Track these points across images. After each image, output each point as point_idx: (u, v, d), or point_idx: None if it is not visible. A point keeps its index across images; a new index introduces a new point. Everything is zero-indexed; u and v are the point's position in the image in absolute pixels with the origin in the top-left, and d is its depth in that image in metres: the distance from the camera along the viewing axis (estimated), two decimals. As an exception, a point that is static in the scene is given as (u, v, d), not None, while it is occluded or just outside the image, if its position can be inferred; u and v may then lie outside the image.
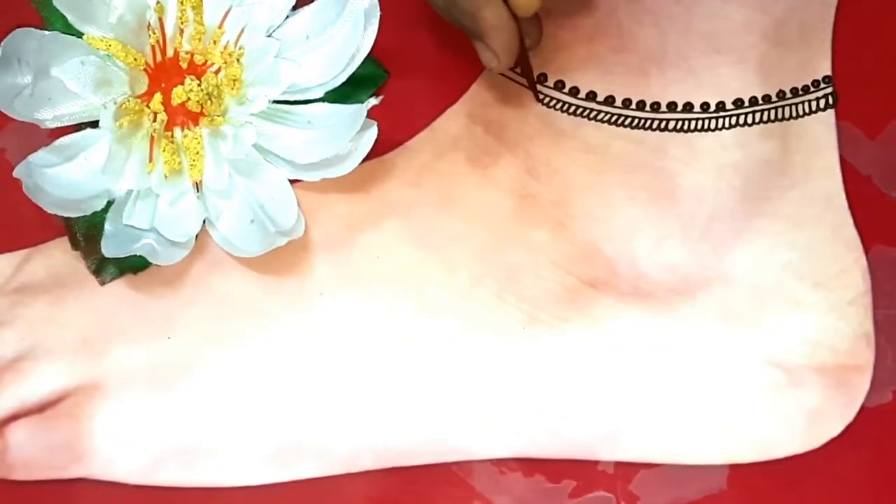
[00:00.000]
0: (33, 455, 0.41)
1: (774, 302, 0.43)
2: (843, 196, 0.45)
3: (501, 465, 0.42)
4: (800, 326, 0.43)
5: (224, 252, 0.44)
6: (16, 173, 0.41)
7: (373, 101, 0.43)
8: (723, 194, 0.45)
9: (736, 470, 0.42)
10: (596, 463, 0.42)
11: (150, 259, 0.42)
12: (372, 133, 0.43)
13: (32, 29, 0.41)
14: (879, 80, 0.47)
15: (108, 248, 0.41)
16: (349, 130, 0.42)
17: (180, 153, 0.43)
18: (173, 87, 0.43)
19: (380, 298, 0.44)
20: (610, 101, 0.47)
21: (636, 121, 0.46)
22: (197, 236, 0.43)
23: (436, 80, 0.47)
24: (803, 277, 0.44)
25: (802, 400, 0.42)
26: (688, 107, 0.46)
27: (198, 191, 0.43)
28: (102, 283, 0.44)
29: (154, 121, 0.43)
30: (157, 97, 0.43)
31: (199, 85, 0.43)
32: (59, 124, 0.42)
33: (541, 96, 0.46)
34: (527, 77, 0.46)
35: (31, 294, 0.43)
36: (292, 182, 0.44)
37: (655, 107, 0.46)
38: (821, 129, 0.46)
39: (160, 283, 0.44)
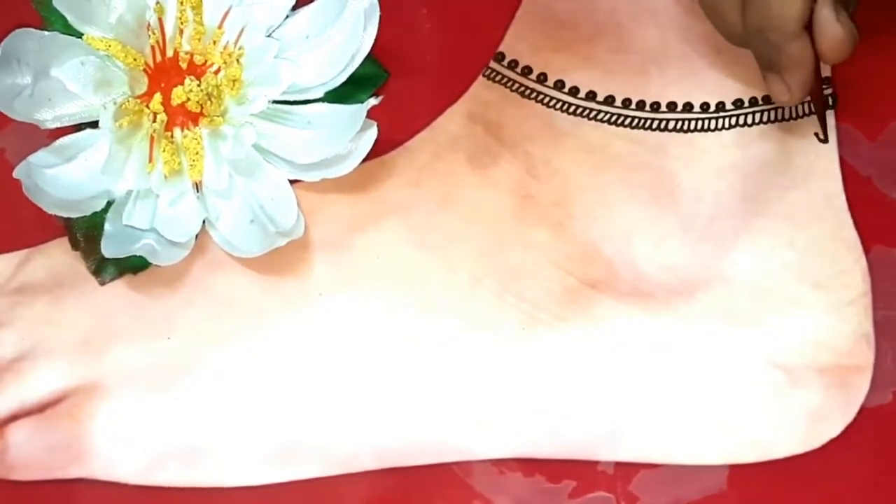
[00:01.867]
0: (33, 455, 0.41)
1: (774, 302, 0.43)
2: (842, 197, 0.45)
3: (501, 465, 0.42)
4: (800, 327, 0.43)
5: (224, 252, 0.44)
6: (16, 174, 0.41)
7: (373, 101, 0.43)
8: (722, 194, 0.45)
9: (736, 470, 0.42)
10: (596, 463, 0.42)
11: (149, 259, 0.42)
12: (372, 133, 0.43)
13: (32, 29, 0.41)
14: (879, 80, 0.47)
15: (108, 249, 0.41)
16: (349, 130, 0.42)
17: (180, 153, 0.43)
18: (173, 87, 0.43)
19: (379, 298, 0.44)
20: (610, 100, 0.47)
21: (636, 120, 0.46)
22: (197, 236, 0.43)
23: (436, 80, 0.47)
24: (803, 278, 0.44)
25: (802, 400, 0.42)
26: (688, 107, 0.46)
27: (197, 191, 0.43)
28: (102, 284, 0.44)
29: (154, 121, 0.43)
30: (157, 97, 0.43)
31: (198, 85, 0.43)
32: (59, 125, 0.42)
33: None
34: (818, 113, 0.45)
35: (31, 294, 0.43)
36: (292, 182, 0.44)
37: (655, 107, 0.46)
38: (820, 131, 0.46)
39: (160, 284, 0.44)
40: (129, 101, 0.42)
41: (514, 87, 0.47)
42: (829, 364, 0.42)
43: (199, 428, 0.42)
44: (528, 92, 0.47)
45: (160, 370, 0.42)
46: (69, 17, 0.43)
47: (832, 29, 0.40)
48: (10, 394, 0.42)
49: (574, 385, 0.42)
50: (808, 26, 0.40)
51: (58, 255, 0.44)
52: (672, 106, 0.46)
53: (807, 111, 0.46)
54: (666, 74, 0.47)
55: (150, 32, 0.43)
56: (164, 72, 0.44)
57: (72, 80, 0.42)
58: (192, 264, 0.44)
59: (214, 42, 0.44)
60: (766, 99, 0.46)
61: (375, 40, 0.44)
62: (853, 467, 0.42)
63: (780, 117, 0.46)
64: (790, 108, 0.46)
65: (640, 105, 0.47)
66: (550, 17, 0.48)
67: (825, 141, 0.45)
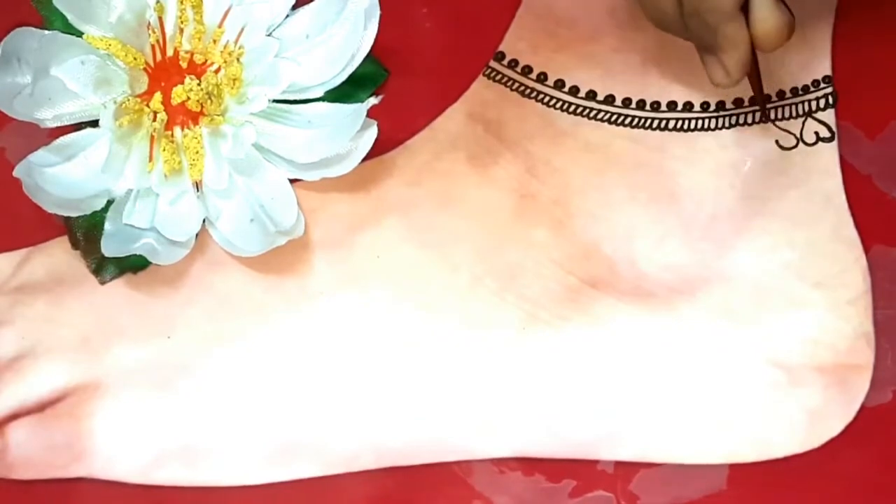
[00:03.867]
0: (33, 454, 0.41)
1: (774, 301, 0.43)
2: (843, 196, 0.45)
3: (501, 464, 0.42)
4: (800, 326, 0.43)
5: (224, 251, 0.44)
6: (16, 173, 0.41)
7: (373, 101, 0.43)
8: (723, 193, 0.45)
9: (736, 469, 0.42)
10: (596, 462, 0.42)
11: (149, 258, 0.42)
12: (372, 132, 0.43)
13: (32, 28, 0.41)
14: (879, 80, 0.47)
15: (108, 248, 0.41)
16: (349, 130, 0.42)
17: (180, 152, 0.43)
18: (173, 86, 0.43)
19: (380, 298, 0.44)
20: (610, 100, 0.47)
21: (636, 120, 0.46)
22: (197, 236, 0.43)
23: (436, 80, 0.47)
24: (803, 277, 0.44)
25: (802, 399, 0.42)
26: (688, 106, 0.46)
27: (198, 190, 0.43)
28: (102, 283, 0.44)
29: (154, 120, 0.43)
30: (157, 96, 0.43)
31: (198, 84, 0.43)
32: (59, 124, 0.42)
33: (768, 117, 0.46)
34: (757, 96, 0.45)
35: (32, 293, 0.43)
36: (292, 181, 0.44)
37: (655, 106, 0.46)
38: (821, 129, 0.46)
39: (160, 283, 0.44)
40: (129, 100, 0.42)
41: (514, 87, 0.47)
42: (829, 363, 0.42)
43: (199, 427, 0.42)
44: (528, 91, 0.47)
45: (160, 369, 0.42)
46: (69, 16, 0.42)
47: (768, 16, 0.39)
48: (11, 392, 0.42)
49: (574, 384, 0.42)
50: (745, 8, 0.40)
51: (58, 254, 0.44)
52: (672, 105, 0.46)
53: (807, 109, 0.46)
54: (666, 74, 0.47)
55: (150, 31, 0.43)
56: (165, 71, 0.44)
57: (72, 78, 0.42)
58: (193, 263, 0.44)
59: (215, 41, 0.44)
60: (767, 97, 0.46)
61: (375, 39, 0.44)
62: (853, 466, 0.42)
63: (780, 116, 0.46)
64: (790, 107, 0.46)
65: (641, 104, 0.47)
66: (550, 16, 0.48)
67: (766, 120, 0.45)
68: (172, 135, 0.44)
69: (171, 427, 0.42)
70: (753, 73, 0.43)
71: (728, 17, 0.39)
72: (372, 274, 0.44)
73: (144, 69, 0.43)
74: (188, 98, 0.43)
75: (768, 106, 0.46)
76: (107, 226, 0.42)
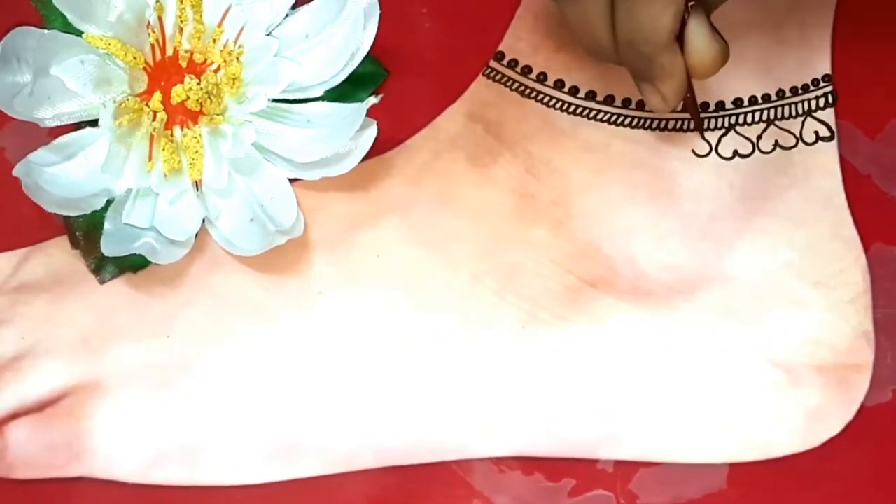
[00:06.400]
0: (33, 454, 0.41)
1: (774, 301, 0.43)
2: (842, 195, 0.45)
3: (501, 463, 0.42)
4: (800, 325, 0.43)
5: (224, 251, 0.44)
6: (15, 172, 0.41)
7: (372, 100, 0.43)
8: (722, 193, 0.45)
9: (736, 469, 0.42)
10: (595, 462, 0.42)
11: (149, 258, 0.42)
12: (371, 132, 0.43)
13: (32, 27, 0.41)
14: (879, 79, 0.47)
15: (108, 247, 0.41)
16: (349, 129, 0.43)
17: (180, 152, 0.43)
18: (173, 85, 0.43)
19: (380, 297, 0.44)
20: (610, 100, 0.47)
21: (636, 120, 0.46)
22: (196, 235, 0.43)
23: (435, 79, 0.47)
24: (803, 276, 0.44)
25: (802, 399, 0.42)
26: (687, 106, 0.46)
27: (197, 190, 0.43)
28: (102, 282, 0.44)
29: (153, 119, 0.43)
30: (157, 96, 0.43)
31: (198, 84, 0.43)
32: (59, 123, 0.42)
33: (702, 129, 0.46)
34: (694, 119, 0.45)
35: (31, 293, 0.43)
36: (292, 181, 0.44)
37: (655, 106, 0.46)
38: (820, 129, 0.46)
39: (160, 282, 0.44)
40: (128, 99, 0.42)
41: (513, 87, 0.47)
42: (829, 363, 0.42)
43: (198, 426, 0.42)
44: (527, 91, 0.47)
45: (160, 369, 0.42)
46: (69, 16, 0.42)
47: (703, 47, 0.39)
48: (10, 392, 0.42)
49: (574, 384, 0.42)
50: (679, 37, 0.39)
51: (57, 254, 0.44)
52: (672, 105, 0.46)
53: (807, 108, 0.46)
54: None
55: (149, 31, 0.43)
56: (164, 70, 0.44)
57: (71, 78, 0.42)
58: (192, 263, 0.44)
59: (214, 40, 0.44)
60: (766, 98, 0.46)
61: (375, 39, 0.44)
62: (853, 466, 0.42)
63: (780, 115, 0.46)
64: (789, 107, 0.46)
65: (640, 105, 0.47)
66: (550, 16, 0.48)
67: (702, 135, 0.46)
68: (172, 134, 0.44)
69: (170, 427, 0.42)
70: (690, 97, 0.43)
71: (663, 47, 0.39)
72: (372, 273, 0.44)
73: (144, 68, 0.43)
74: (188, 97, 0.43)
75: (770, 106, 0.46)
76: (106, 225, 0.42)
